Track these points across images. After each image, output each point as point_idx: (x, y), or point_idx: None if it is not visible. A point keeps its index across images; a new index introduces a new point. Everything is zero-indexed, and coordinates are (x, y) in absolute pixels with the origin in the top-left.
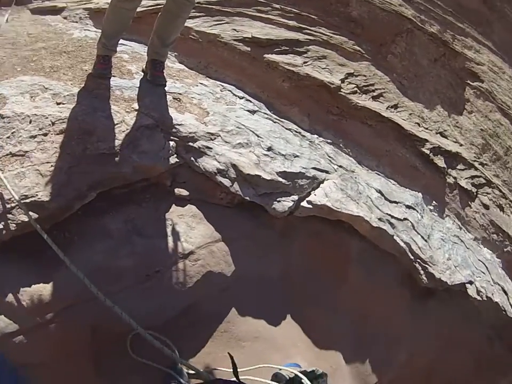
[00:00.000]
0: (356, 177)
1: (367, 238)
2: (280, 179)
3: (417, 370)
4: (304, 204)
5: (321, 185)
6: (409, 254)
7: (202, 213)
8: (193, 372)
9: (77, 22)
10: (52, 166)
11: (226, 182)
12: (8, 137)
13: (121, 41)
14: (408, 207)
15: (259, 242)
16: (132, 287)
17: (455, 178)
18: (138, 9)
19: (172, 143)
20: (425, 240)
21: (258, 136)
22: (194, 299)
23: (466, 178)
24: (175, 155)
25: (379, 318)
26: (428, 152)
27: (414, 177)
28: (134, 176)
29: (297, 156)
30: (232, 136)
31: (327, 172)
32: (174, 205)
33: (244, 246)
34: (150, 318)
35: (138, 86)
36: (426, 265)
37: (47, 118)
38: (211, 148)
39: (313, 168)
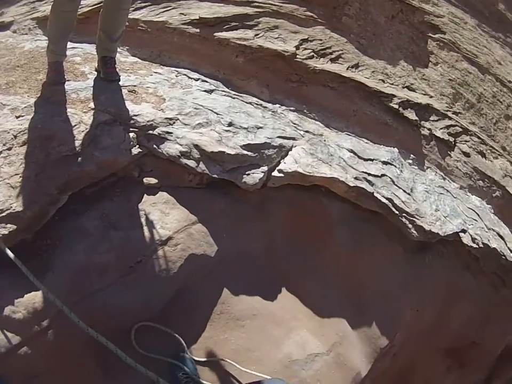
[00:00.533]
0: (325, 140)
1: (346, 200)
2: (245, 152)
3: (426, 327)
4: (275, 173)
5: (289, 152)
6: (393, 209)
7: (174, 198)
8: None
9: (26, 34)
10: (20, 177)
11: (191, 163)
12: None
13: (72, 44)
14: (385, 163)
15: (236, 218)
16: (118, 281)
17: (429, 129)
18: (84, 9)
19: (132, 134)
20: (408, 194)
21: (217, 114)
22: (182, 284)
23: (441, 128)
24: (137, 145)
25: (374, 278)
26: (396, 106)
27: (386, 133)
28: (99, 172)
29: (260, 128)
30: (190, 118)
31: (293, 139)
32: (145, 194)
33: (222, 224)
34: (143, 310)
35: (92, 85)
36: (414, 219)
37: (8, 132)
38: (171, 133)
39: (279, 137)
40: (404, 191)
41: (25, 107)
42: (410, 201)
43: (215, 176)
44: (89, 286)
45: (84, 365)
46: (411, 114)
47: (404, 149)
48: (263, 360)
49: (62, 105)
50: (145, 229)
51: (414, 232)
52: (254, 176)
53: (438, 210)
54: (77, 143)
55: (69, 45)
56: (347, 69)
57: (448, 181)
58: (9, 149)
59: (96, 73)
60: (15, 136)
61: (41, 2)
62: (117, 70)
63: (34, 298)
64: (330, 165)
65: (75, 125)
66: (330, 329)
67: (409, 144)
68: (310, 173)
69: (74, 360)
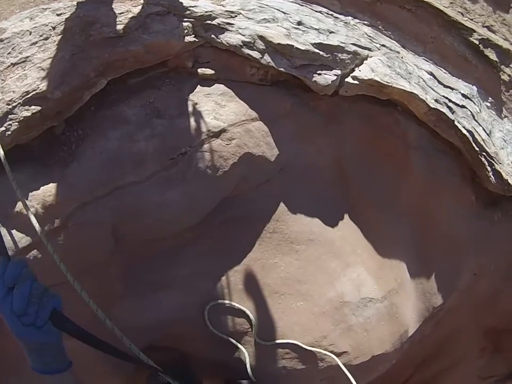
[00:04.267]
0: (402, 58)
1: (424, 124)
2: (317, 50)
3: (477, 297)
4: (349, 79)
5: (365, 61)
6: (474, 145)
7: (232, 91)
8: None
9: None
10: (53, 59)
11: (254, 53)
12: (9, 53)
13: None
14: (464, 96)
15: (303, 124)
16: (156, 174)
17: (509, 75)
18: None
19: (186, 24)
20: (488, 135)
21: (284, 13)
22: (233, 189)
23: None
24: (193, 35)
25: (444, 223)
26: (477, 42)
27: (465, 68)
28: (147, 56)
29: (332, 32)
30: (255, 14)
31: (369, 49)
32: (198, 85)
33: (286, 127)
34: (183, 212)
35: None
36: (493, 161)
37: (47, 25)
38: (233, 24)
39: (353, 44)
40: (484, 129)
41: (68, 7)
42: (490, 142)
43: (281, 69)
44: (120, 178)
45: (103, 276)
46: (491, 55)
47: (483, 90)
48: (312, 297)
49: (108, 2)
50: (195, 118)
51: (492, 176)
52: (326, 77)
53: None
54: (123, 26)
55: None
56: None
57: None
58: (46, 38)
59: None
60: (54, 28)
61: None
62: None
63: (51, 190)
64: (409, 82)
65: (122, 12)
66: (389, 272)
67: (488, 86)
68: (388, 83)
69: (92, 269)
